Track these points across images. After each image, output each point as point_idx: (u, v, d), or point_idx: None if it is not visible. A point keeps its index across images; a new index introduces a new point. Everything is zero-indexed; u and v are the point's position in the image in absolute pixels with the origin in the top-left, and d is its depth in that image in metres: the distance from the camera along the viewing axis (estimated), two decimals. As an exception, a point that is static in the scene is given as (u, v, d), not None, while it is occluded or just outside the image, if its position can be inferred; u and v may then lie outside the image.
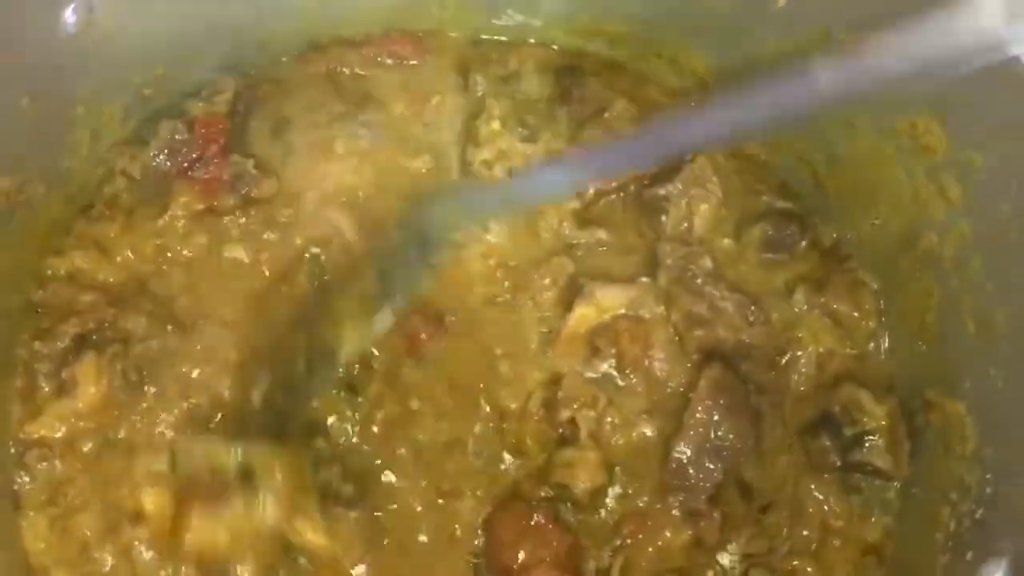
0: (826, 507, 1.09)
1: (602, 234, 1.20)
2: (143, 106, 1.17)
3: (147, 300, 1.12)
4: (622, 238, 1.20)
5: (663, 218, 1.19)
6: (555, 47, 1.31)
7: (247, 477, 0.95)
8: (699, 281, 1.15)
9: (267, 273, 1.16)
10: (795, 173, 1.23)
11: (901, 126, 1.04)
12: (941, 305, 1.06)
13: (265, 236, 1.17)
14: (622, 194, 1.22)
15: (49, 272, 1.13)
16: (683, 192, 1.19)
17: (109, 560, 1.02)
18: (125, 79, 1.13)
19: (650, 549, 1.07)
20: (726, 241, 1.20)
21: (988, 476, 0.93)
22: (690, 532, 1.06)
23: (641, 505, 1.08)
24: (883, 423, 1.08)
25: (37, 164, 1.05)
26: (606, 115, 1.23)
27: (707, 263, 1.16)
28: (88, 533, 1.03)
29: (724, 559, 1.07)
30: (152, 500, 1.00)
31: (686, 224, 1.19)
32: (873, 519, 1.09)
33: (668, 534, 1.07)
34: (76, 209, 1.16)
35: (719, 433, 1.08)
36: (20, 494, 1.03)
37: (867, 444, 1.08)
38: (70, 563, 1.02)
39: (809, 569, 1.07)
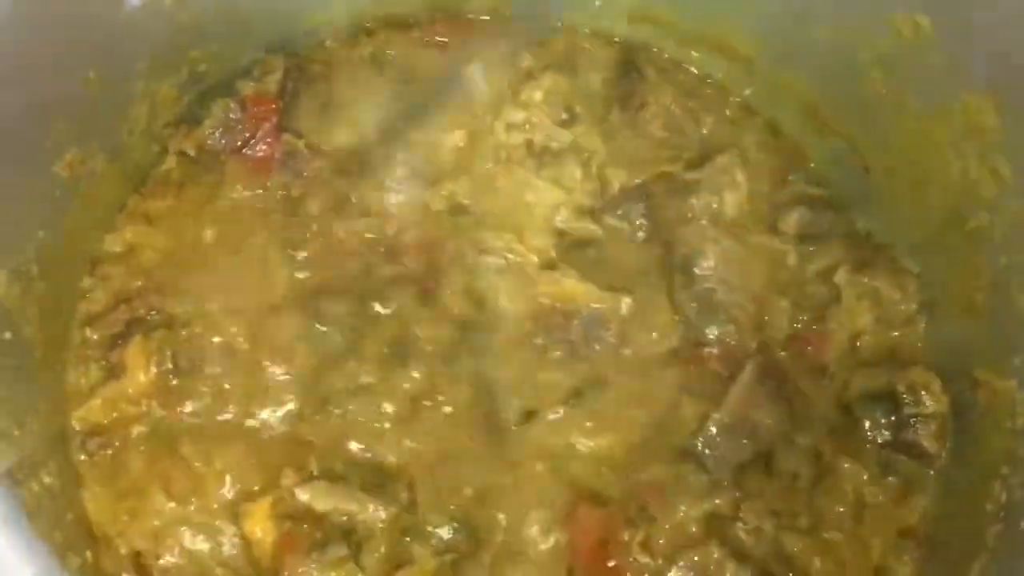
0: (861, 484, 1.09)
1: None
2: (196, 84, 1.19)
3: (194, 283, 1.13)
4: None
5: (693, 201, 1.20)
6: (616, 39, 1.33)
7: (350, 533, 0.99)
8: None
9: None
10: (841, 158, 1.24)
11: (953, 106, 1.05)
12: (990, 284, 1.06)
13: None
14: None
15: (103, 250, 1.14)
16: (712, 179, 1.20)
17: (179, 544, 1.02)
18: (181, 56, 1.14)
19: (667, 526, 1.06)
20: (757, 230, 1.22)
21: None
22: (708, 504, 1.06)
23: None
24: (942, 410, 1.09)
25: (99, 138, 1.06)
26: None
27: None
28: (152, 513, 1.03)
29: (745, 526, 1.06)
30: (258, 526, 1.00)
31: (716, 205, 1.20)
32: (910, 499, 1.09)
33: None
34: (131, 188, 1.17)
35: (757, 415, 1.09)
36: (82, 472, 1.04)
37: (919, 426, 1.09)
38: (132, 536, 1.02)
39: (843, 545, 1.07)
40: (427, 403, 1.09)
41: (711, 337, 1.14)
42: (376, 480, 1.04)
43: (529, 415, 1.09)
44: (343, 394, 1.08)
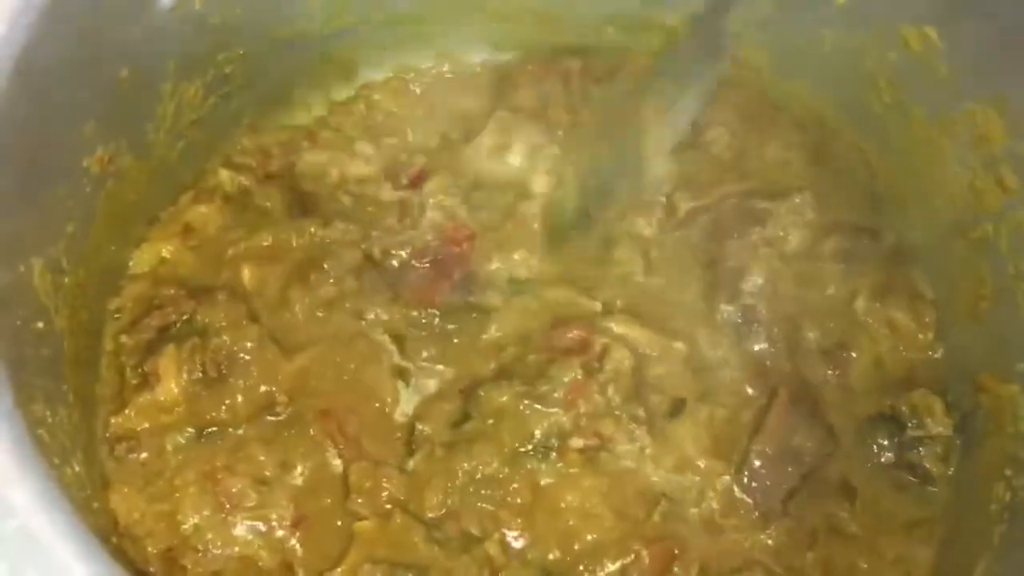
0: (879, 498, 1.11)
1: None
2: (222, 85, 1.21)
3: (226, 293, 1.15)
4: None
5: (758, 228, 1.22)
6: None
7: None
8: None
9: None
10: (848, 160, 1.27)
11: (958, 116, 1.08)
12: (995, 292, 1.09)
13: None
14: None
15: (133, 261, 1.17)
16: (784, 216, 1.23)
17: (210, 545, 1.04)
18: (209, 57, 1.17)
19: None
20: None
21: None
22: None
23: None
24: (946, 433, 1.11)
25: (128, 136, 1.08)
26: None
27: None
28: (184, 517, 1.04)
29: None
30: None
31: (781, 234, 1.22)
32: (918, 512, 1.11)
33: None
34: (159, 190, 1.20)
35: (797, 440, 1.10)
36: (108, 473, 1.05)
37: (923, 448, 1.11)
38: (162, 537, 1.04)
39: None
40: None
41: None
42: None
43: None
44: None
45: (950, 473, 1.10)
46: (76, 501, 0.91)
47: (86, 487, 0.98)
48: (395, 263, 1.20)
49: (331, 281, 1.17)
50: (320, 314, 1.16)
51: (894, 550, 1.09)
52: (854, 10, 1.15)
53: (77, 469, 0.96)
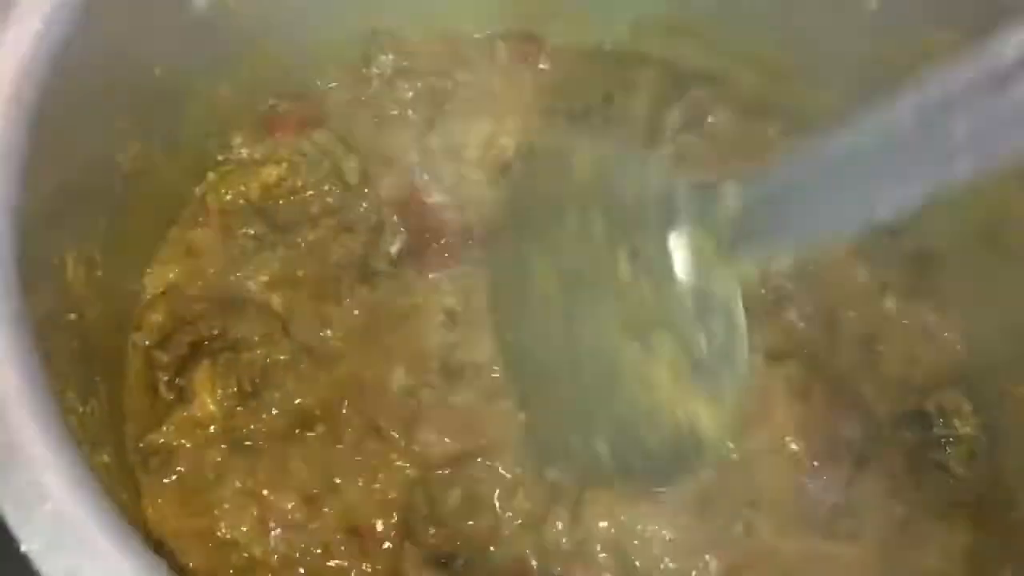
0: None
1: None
2: (252, 84, 1.23)
3: (256, 306, 1.15)
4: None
5: None
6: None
7: None
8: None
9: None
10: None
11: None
12: (1018, 298, 1.09)
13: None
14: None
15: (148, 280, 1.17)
16: None
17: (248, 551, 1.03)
18: (239, 57, 1.18)
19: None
20: None
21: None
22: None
23: None
24: (973, 433, 1.11)
25: (159, 133, 1.11)
26: (710, 119, 1.28)
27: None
28: (224, 532, 1.04)
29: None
30: None
31: None
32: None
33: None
34: (189, 187, 1.22)
35: (845, 430, 1.11)
36: (143, 489, 1.05)
37: (948, 448, 1.11)
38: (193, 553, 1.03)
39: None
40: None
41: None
42: None
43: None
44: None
45: (973, 474, 1.10)
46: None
47: (116, 482, 0.99)
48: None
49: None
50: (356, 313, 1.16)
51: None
52: (884, 16, 1.15)
53: (107, 460, 0.97)
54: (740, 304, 0.82)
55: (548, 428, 1.05)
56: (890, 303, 1.20)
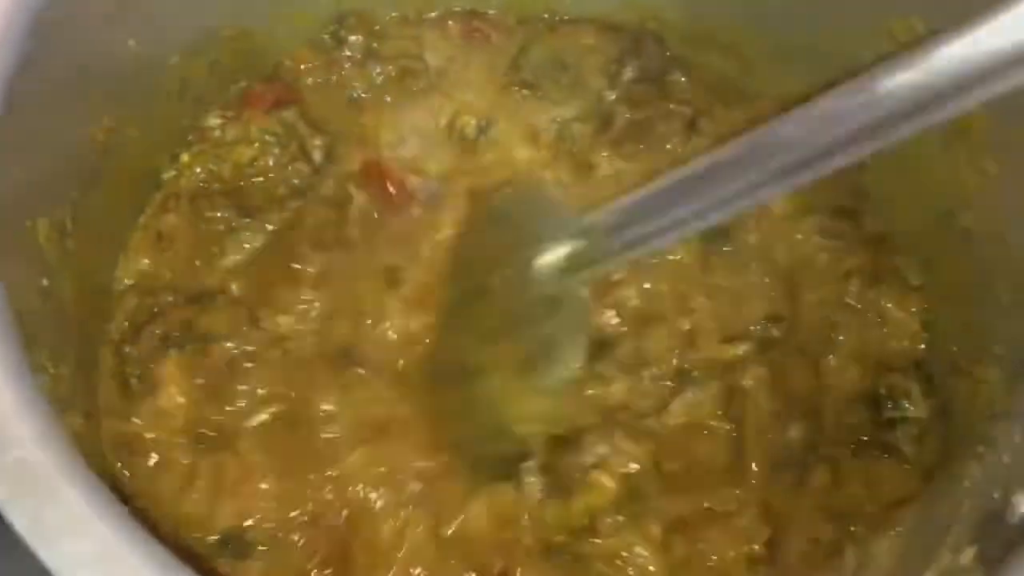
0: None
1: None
2: (227, 61, 1.25)
3: (225, 297, 1.15)
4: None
5: None
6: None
7: None
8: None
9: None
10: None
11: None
12: (976, 279, 1.11)
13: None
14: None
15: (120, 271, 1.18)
16: None
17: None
18: (215, 33, 1.20)
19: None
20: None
21: (1017, 428, 0.98)
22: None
23: None
24: (923, 416, 1.13)
25: (133, 107, 1.12)
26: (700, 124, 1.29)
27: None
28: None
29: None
30: None
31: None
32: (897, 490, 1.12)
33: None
34: (161, 159, 1.23)
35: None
36: (120, 481, 1.06)
37: (899, 430, 1.12)
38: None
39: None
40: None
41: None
42: None
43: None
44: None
45: (924, 456, 1.12)
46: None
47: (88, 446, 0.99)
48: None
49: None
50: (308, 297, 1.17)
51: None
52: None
53: (79, 427, 0.98)
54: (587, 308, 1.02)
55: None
56: (853, 287, 1.21)
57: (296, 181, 1.24)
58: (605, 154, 1.27)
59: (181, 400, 1.08)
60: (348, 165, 1.24)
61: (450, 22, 1.37)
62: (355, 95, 1.31)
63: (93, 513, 0.67)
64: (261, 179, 1.24)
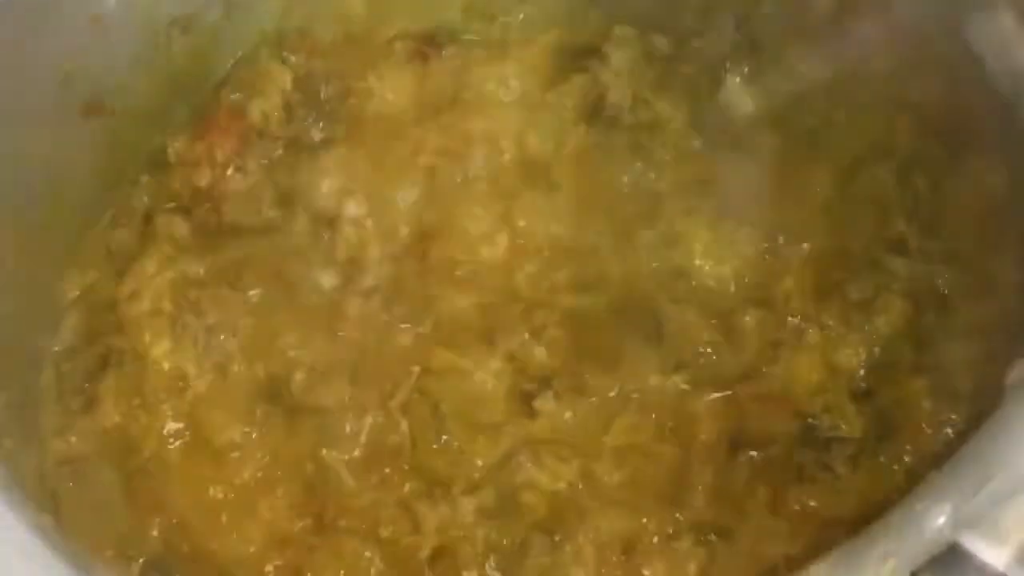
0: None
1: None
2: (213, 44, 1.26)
3: (165, 319, 1.15)
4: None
5: None
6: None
7: None
8: None
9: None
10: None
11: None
12: (906, 291, 1.15)
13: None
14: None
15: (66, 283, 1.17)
16: None
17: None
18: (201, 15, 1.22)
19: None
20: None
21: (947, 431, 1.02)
22: None
23: None
24: (857, 435, 1.11)
25: (78, 127, 1.13)
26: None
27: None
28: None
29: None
30: None
31: None
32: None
33: None
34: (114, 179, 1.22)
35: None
36: (60, 496, 1.05)
37: (833, 448, 1.11)
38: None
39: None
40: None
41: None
42: None
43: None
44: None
45: (857, 474, 1.10)
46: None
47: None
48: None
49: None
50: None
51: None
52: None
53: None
54: None
55: None
56: (795, 304, 1.20)
57: (256, 216, 1.23)
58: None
59: (117, 419, 1.09)
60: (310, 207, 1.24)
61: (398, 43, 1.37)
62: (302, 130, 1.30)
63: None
64: (222, 205, 1.24)
